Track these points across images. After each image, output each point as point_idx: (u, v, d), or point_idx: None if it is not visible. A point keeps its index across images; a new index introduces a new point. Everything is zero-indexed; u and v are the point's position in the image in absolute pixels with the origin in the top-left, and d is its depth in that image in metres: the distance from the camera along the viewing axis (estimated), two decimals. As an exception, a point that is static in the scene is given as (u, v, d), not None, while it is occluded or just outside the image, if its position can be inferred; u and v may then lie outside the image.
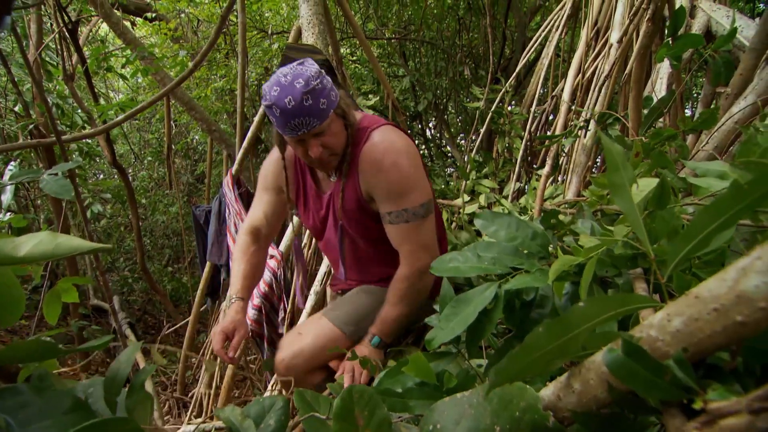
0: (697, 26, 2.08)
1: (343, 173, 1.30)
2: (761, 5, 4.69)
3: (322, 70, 1.17)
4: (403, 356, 1.07)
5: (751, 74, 1.56)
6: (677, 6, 1.66)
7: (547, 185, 2.33)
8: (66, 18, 3.41)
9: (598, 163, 2.77)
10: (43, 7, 3.84)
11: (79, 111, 4.17)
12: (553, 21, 2.93)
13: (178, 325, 4.71)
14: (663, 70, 2.08)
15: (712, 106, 1.79)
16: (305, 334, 1.43)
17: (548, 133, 3.08)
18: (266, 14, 5.03)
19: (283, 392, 1.57)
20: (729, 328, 0.45)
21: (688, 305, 0.48)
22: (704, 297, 0.46)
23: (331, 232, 1.43)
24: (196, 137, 6.03)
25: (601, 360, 0.56)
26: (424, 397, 0.65)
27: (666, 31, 1.54)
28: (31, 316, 4.46)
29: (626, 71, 1.96)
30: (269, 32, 4.46)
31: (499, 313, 0.84)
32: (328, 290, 2.17)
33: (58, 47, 3.74)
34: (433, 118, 5.14)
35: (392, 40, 4.82)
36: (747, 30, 1.85)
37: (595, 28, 2.48)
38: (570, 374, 0.63)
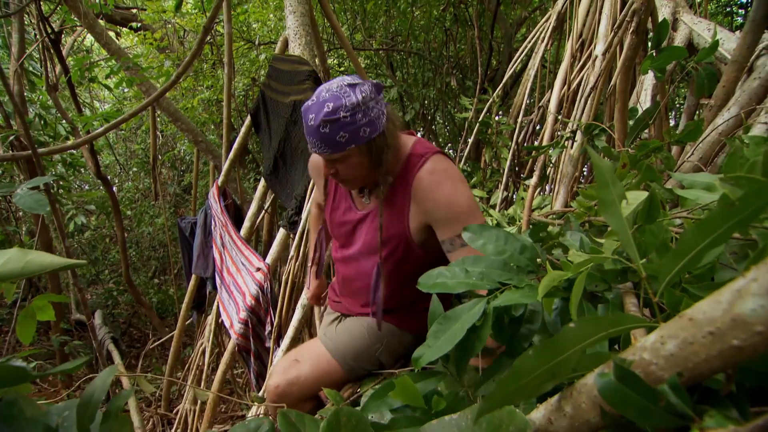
0: (679, 38, 2.11)
1: (379, 195, 1.25)
2: (739, 18, 4.82)
3: (372, 102, 1.12)
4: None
5: (734, 86, 1.58)
6: (660, 19, 1.68)
7: (535, 195, 2.33)
8: (49, 28, 3.36)
9: (585, 173, 2.78)
10: (26, 16, 3.79)
11: (63, 121, 4.10)
12: (538, 33, 2.96)
13: (163, 339, 4.62)
14: (647, 81, 2.10)
15: (696, 118, 1.81)
16: (303, 363, 1.39)
17: (535, 143, 3.10)
18: (253, 25, 5.02)
19: (269, 414, 1.52)
20: (725, 353, 0.43)
21: (682, 328, 0.46)
22: (699, 320, 0.45)
23: (354, 249, 1.37)
24: (183, 148, 5.96)
25: (593, 383, 0.54)
26: (411, 424, 0.63)
27: (649, 44, 1.56)
28: (9, 331, 4.33)
29: (611, 83, 1.98)
30: (256, 43, 4.45)
31: (488, 330, 0.82)
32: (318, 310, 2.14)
33: (42, 57, 3.68)
34: (421, 128, 5.16)
35: (380, 51, 4.84)
36: (728, 43, 1.88)
37: (580, 40, 2.50)
38: (561, 397, 0.61)
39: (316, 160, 1.42)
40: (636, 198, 0.80)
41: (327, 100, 1.09)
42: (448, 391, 0.76)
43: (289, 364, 1.41)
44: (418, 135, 1.34)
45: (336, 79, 1.15)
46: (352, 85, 1.12)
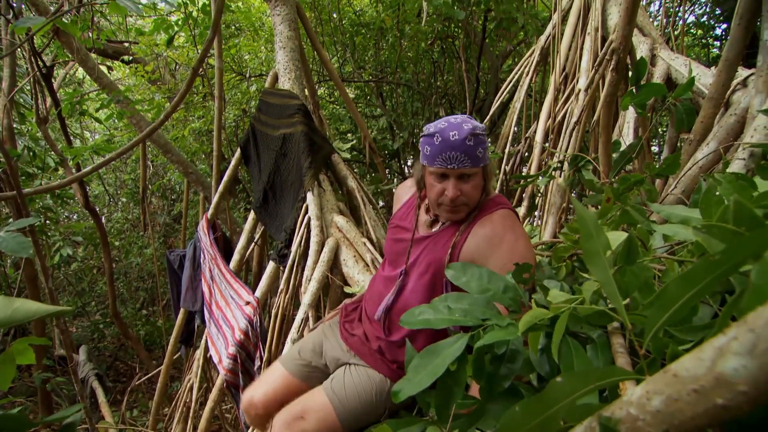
0: (658, 74, 2.19)
1: (444, 224, 1.34)
2: (715, 50, 5.00)
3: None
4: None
5: (711, 121, 1.63)
6: (639, 56, 1.73)
7: (524, 225, 2.35)
8: (40, 62, 3.39)
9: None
10: (18, 50, 3.82)
11: (52, 153, 4.09)
12: (523, 66, 3.04)
13: (150, 374, 4.50)
14: (630, 114, 2.16)
15: (679, 150, 1.85)
16: (308, 420, 1.35)
17: (523, 172, 3.14)
18: (245, 56, 5.11)
19: None
20: (710, 411, 0.43)
21: (667, 384, 0.46)
22: (682, 376, 0.45)
23: (400, 269, 1.40)
24: (173, 177, 5.95)
25: (583, 438, 0.54)
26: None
27: (630, 80, 1.60)
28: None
29: (595, 117, 2.03)
30: (247, 75, 4.51)
31: (467, 372, 0.81)
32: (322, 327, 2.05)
33: (33, 90, 3.70)
34: (411, 157, 5.22)
35: (370, 82, 4.93)
36: (704, 77, 1.95)
37: (563, 74, 2.58)
38: (551, 450, 0.60)
39: (407, 185, 1.52)
40: (616, 239, 0.81)
41: (464, 122, 1.22)
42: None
43: (293, 419, 1.36)
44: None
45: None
46: (468, 116, 1.27)
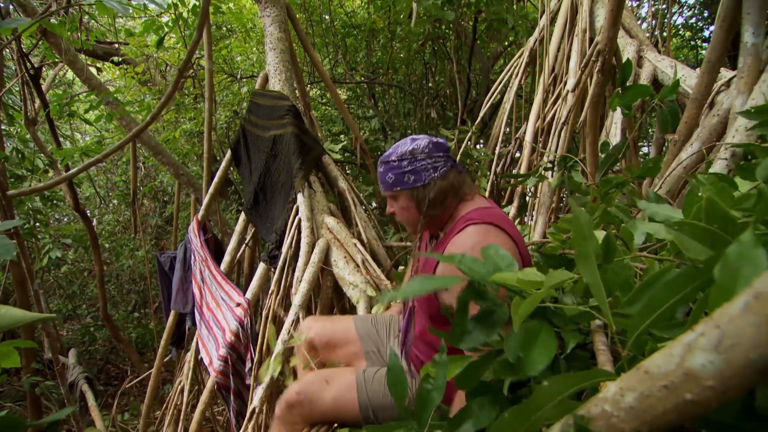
0: (644, 75, 2.21)
1: (429, 248, 1.43)
2: (703, 52, 5.06)
3: (422, 155, 1.30)
4: None
5: (695, 122, 1.65)
6: (624, 58, 1.75)
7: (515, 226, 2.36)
8: (29, 64, 3.36)
9: (564, 203, 2.84)
10: (6, 51, 3.78)
11: (41, 155, 4.05)
12: (512, 68, 3.06)
13: (141, 377, 4.46)
14: (617, 115, 2.19)
15: (664, 150, 1.87)
16: (329, 387, 1.40)
17: (514, 173, 3.16)
18: (237, 58, 5.10)
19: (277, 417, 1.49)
20: (680, 406, 0.44)
21: (640, 380, 0.47)
22: (654, 373, 0.46)
23: None
24: (165, 179, 5.92)
25: (559, 436, 0.55)
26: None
27: (616, 81, 1.62)
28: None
29: (581, 117, 2.05)
30: (238, 76, 4.50)
31: (444, 381, 0.81)
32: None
33: (21, 91, 3.66)
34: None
35: (362, 84, 4.94)
36: (690, 79, 1.97)
37: (552, 75, 2.60)
38: (531, 448, 0.61)
39: None
40: (597, 238, 0.82)
41: (396, 148, 1.33)
42: None
43: (318, 380, 1.42)
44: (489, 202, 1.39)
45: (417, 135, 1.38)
46: (413, 139, 1.34)
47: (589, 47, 2.41)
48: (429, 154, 1.30)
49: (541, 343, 0.71)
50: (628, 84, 1.53)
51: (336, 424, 1.44)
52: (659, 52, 2.32)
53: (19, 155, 3.99)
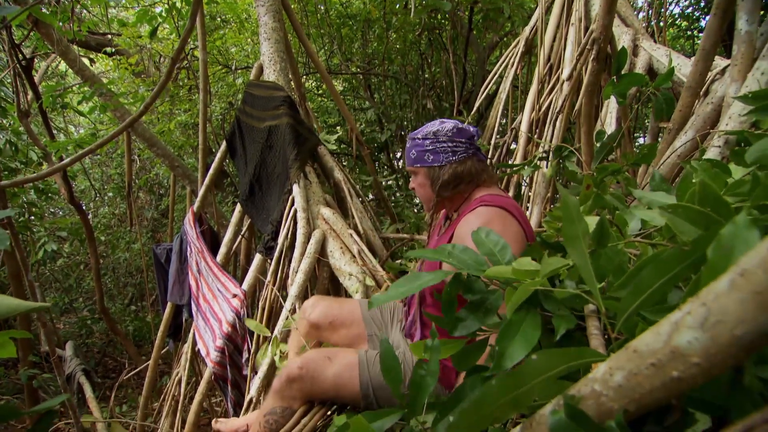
0: (640, 64, 2.21)
1: (443, 229, 1.47)
2: (699, 42, 5.04)
3: (444, 137, 1.36)
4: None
5: (689, 110, 1.65)
6: (620, 47, 1.75)
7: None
8: (20, 55, 3.33)
9: (559, 193, 2.84)
10: (-4, 43, 3.74)
11: (35, 148, 4.02)
12: (508, 57, 3.05)
13: (139, 369, 4.47)
14: (612, 104, 2.19)
15: (659, 139, 1.87)
16: (331, 364, 1.40)
17: (509, 163, 3.16)
18: (231, 49, 5.05)
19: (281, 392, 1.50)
20: (667, 384, 0.44)
21: (628, 359, 0.48)
22: (642, 351, 0.46)
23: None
24: (160, 172, 5.89)
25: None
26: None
27: (611, 70, 1.62)
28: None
29: (577, 106, 2.05)
30: (233, 67, 4.47)
31: (438, 366, 0.81)
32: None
33: (13, 83, 3.63)
34: (399, 150, 5.22)
35: (357, 75, 4.91)
36: (685, 68, 1.98)
37: (548, 64, 2.59)
38: (522, 427, 0.62)
39: None
40: (590, 224, 0.83)
41: (423, 128, 1.40)
42: (404, 428, 0.76)
43: (321, 357, 1.42)
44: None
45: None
46: (442, 121, 1.40)
47: (585, 36, 2.40)
48: (451, 138, 1.36)
49: (523, 334, 0.71)
50: (623, 72, 1.53)
51: (335, 406, 1.44)
52: (655, 41, 2.31)
53: (13, 148, 3.96)
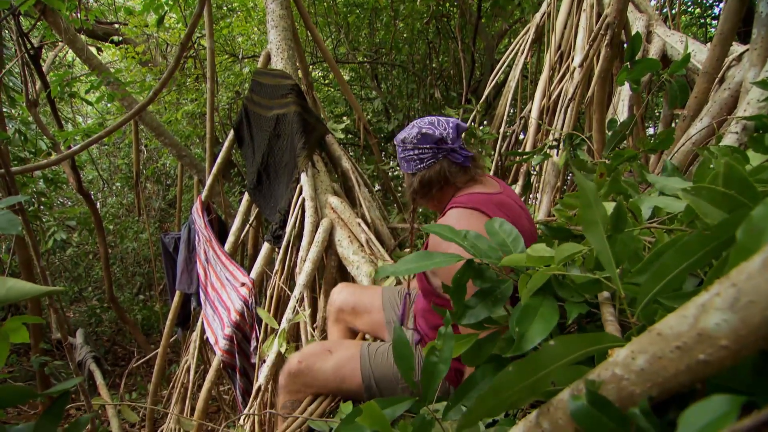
0: (653, 50, 2.16)
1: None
2: (712, 30, 4.96)
3: (410, 145, 1.34)
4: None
5: (705, 97, 1.62)
6: (633, 32, 1.71)
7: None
8: (28, 44, 3.33)
9: (569, 182, 2.82)
10: (5, 31, 3.74)
11: (44, 137, 4.04)
12: (518, 45, 3.01)
13: (147, 357, 4.53)
14: (624, 92, 2.15)
15: (672, 126, 1.84)
16: (332, 357, 1.43)
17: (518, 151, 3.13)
18: (237, 38, 5.03)
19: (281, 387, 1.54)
20: (693, 367, 0.43)
21: (651, 342, 0.47)
22: (666, 334, 0.45)
23: None
24: (168, 162, 5.90)
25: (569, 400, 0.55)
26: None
27: (625, 55, 1.59)
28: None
29: (589, 93, 2.01)
30: (239, 56, 4.45)
31: (450, 354, 0.80)
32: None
33: (21, 72, 3.63)
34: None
35: (364, 64, 4.87)
36: (700, 54, 1.93)
37: (559, 52, 2.55)
38: (539, 413, 0.61)
39: None
40: (606, 209, 0.81)
41: (412, 126, 1.36)
42: (415, 415, 0.75)
43: (320, 351, 1.45)
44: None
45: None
46: (412, 126, 1.37)
47: (597, 23, 2.35)
48: (416, 146, 1.33)
49: (541, 316, 0.70)
50: (636, 58, 1.50)
51: (339, 398, 1.46)
52: (669, 28, 2.27)
53: (22, 137, 3.98)
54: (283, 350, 1.83)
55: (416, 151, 1.34)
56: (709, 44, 1.86)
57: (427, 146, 1.32)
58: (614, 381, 0.50)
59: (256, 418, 1.83)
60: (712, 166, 0.93)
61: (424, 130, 1.31)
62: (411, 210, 1.47)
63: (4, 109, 3.74)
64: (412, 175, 1.37)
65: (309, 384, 1.43)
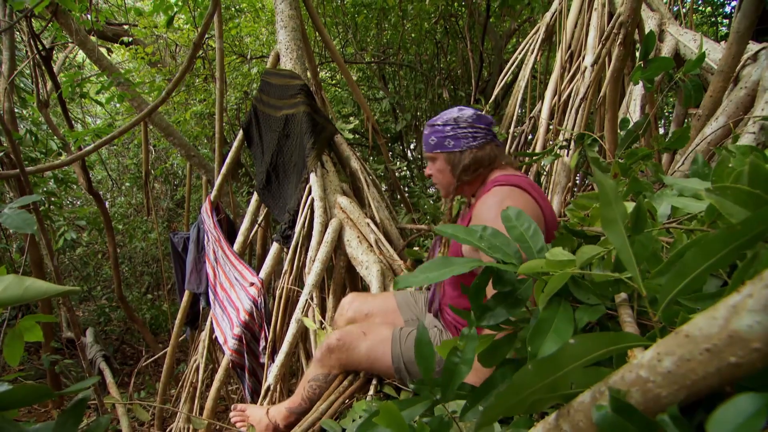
0: (666, 49, 2.14)
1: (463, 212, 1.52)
2: (723, 29, 4.91)
3: (465, 124, 1.39)
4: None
5: (720, 96, 1.59)
6: (647, 31, 1.69)
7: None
8: (39, 45, 3.36)
9: (578, 182, 2.79)
10: (16, 33, 3.78)
11: (55, 137, 4.08)
12: (528, 44, 2.99)
13: (156, 356, 4.55)
14: (636, 91, 2.13)
15: (684, 126, 1.82)
16: (366, 339, 1.50)
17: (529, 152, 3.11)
18: (245, 39, 5.05)
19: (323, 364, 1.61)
20: (723, 370, 0.42)
21: (679, 344, 0.46)
22: (695, 336, 0.44)
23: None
24: (176, 162, 5.94)
25: (590, 401, 0.54)
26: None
27: (638, 55, 1.57)
28: (-2, 351, 4.24)
29: (601, 93, 2.00)
30: (248, 57, 4.46)
31: (473, 353, 0.79)
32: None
33: (33, 73, 3.67)
34: (414, 140, 5.18)
35: (372, 64, 4.87)
36: (714, 53, 1.91)
37: (569, 51, 2.53)
38: (558, 414, 0.60)
39: None
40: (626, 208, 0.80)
41: (443, 114, 1.43)
42: (433, 416, 0.74)
43: (357, 332, 1.53)
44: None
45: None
46: (461, 108, 1.43)
47: (608, 22, 2.34)
48: (471, 124, 1.39)
49: (555, 332, 0.69)
50: (650, 57, 1.49)
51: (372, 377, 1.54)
52: (681, 25, 2.24)
53: (33, 138, 4.02)
54: (319, 330, 1.91)
55: (471, 130, 1.39)
56: (722, 43, 1.84)
57: (482, 126, 1.40)
58: (639, 383, 0.49)
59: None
60: (731, 165, 0.91)
61: (479, 113, 1.41)
62: (453, 190, 1.45)
63: (16, 110, 3.78)
64: (460, 153, 1.40)
65: (343, 360, 1.51)
